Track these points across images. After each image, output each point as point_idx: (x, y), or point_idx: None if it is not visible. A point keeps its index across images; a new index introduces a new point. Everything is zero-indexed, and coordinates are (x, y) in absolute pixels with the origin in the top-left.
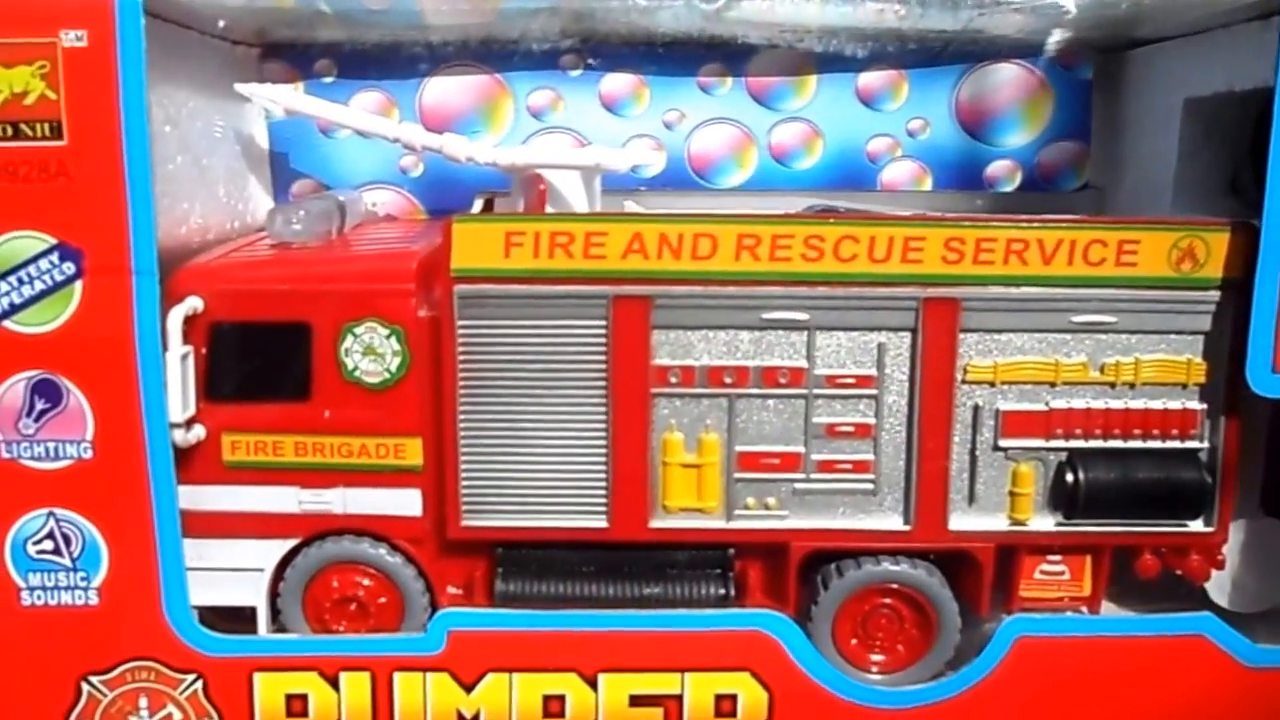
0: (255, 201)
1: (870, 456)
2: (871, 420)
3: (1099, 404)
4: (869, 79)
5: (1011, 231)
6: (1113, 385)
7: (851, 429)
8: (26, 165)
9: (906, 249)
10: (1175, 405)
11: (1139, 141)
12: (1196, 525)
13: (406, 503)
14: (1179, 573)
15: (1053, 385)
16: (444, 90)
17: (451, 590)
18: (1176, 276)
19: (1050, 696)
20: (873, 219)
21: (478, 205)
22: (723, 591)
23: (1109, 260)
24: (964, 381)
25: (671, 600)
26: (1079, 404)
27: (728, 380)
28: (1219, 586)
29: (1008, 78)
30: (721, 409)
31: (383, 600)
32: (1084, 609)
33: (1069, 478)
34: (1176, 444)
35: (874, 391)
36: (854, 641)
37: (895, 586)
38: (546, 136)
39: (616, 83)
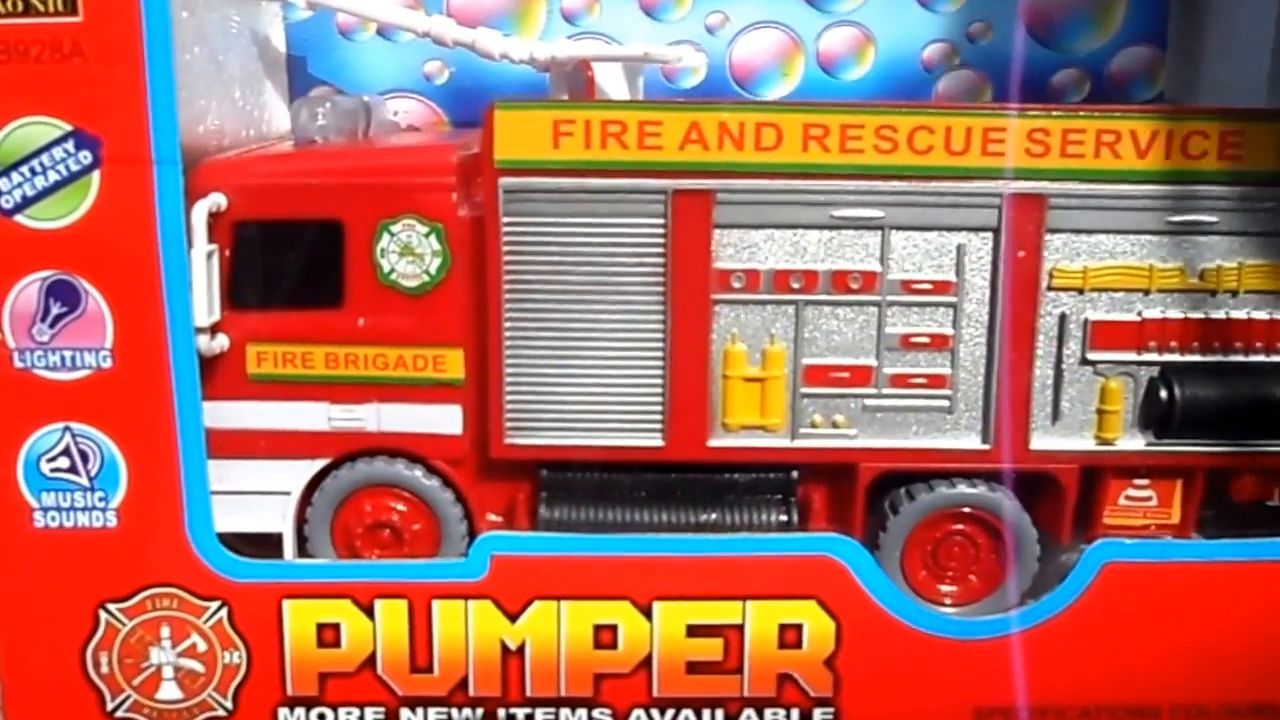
0: (271, 109)
1: (947, 370)
2: (949, 330)
3: (1197, 314)
4: None
5: (1102, 121)
6: (1212, 293)
7: (927, 340)
8: (37, 44)
9: (986, 140)
10: None
11: (1224, 45)
12: None
13: (446, 420)
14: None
15: (1146, 292)
16: None
17: (491, 517)
18: None
19: (1138, 627)
20: (949, 108)
21: None
22: (785, 518)
23: (1210, 153)
24: (1050, 288)
25: (730, 527)
26: (1175, 314)
27: (795, 285)
28: None
29: None
30: (788, 317)
31: (417, 527)
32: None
33: (1162, 394)
34: None
35: (953, 298)
36: (924, 573)
37: (969, 511)
38: (578, 41)
39: None
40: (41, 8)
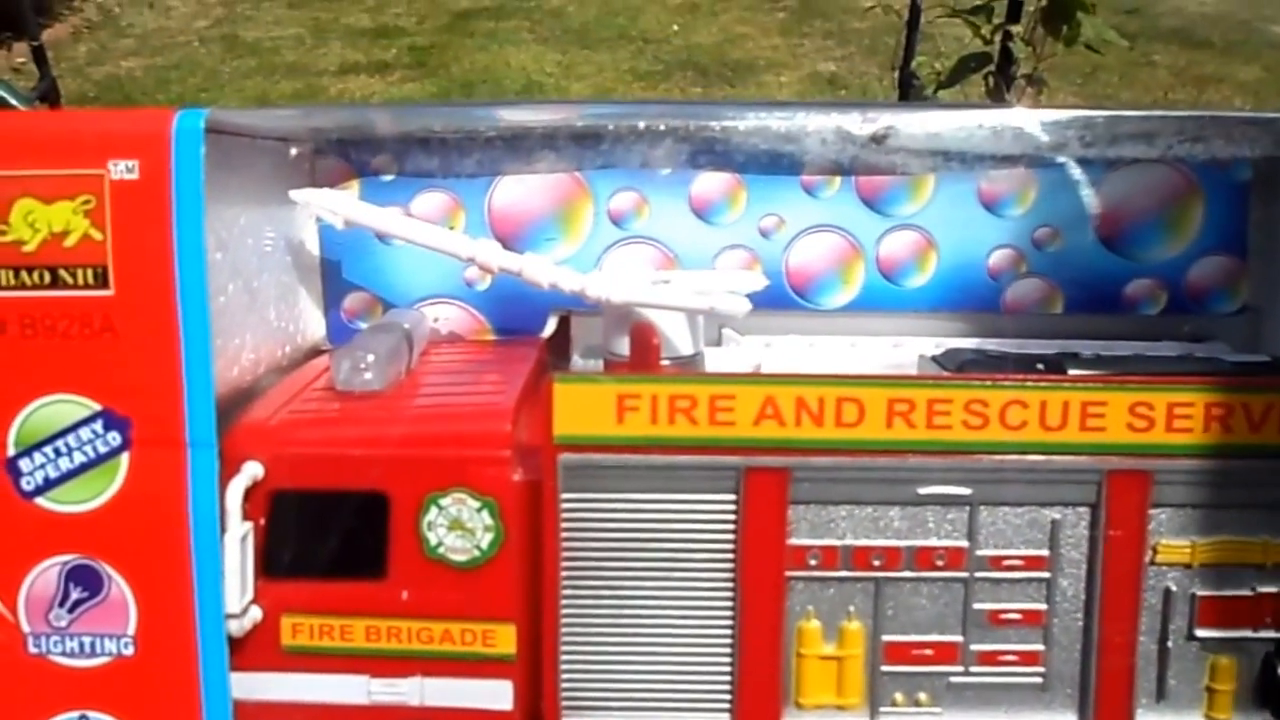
0: (305, 318)
1: (1040, 647)
2: (1042, 606)
3: None
4: (993, 179)
5: (1211, 395)
6: None
7: (1019, 616)
8: (66, 318)
9: (1085, 415)
10: None
11: None
12: None
13: (495, 695)
14: None
15: (1260, 568)
16: (517, 191)
17: None
18: None
19: None
20: (1045, 381)
21: (551, 324)
22: None
23: None
24: (1153, 563)
25: None
26: None
27: (876, 562)
28: None
29: (1152, 179)
30: (867, 594)
31: None
32: None
33: (1278, 671)
34: None
35: (1046, 574)
36: None
37: None
38: (625, 249)
39: (710, 184)
40: (71, 280)
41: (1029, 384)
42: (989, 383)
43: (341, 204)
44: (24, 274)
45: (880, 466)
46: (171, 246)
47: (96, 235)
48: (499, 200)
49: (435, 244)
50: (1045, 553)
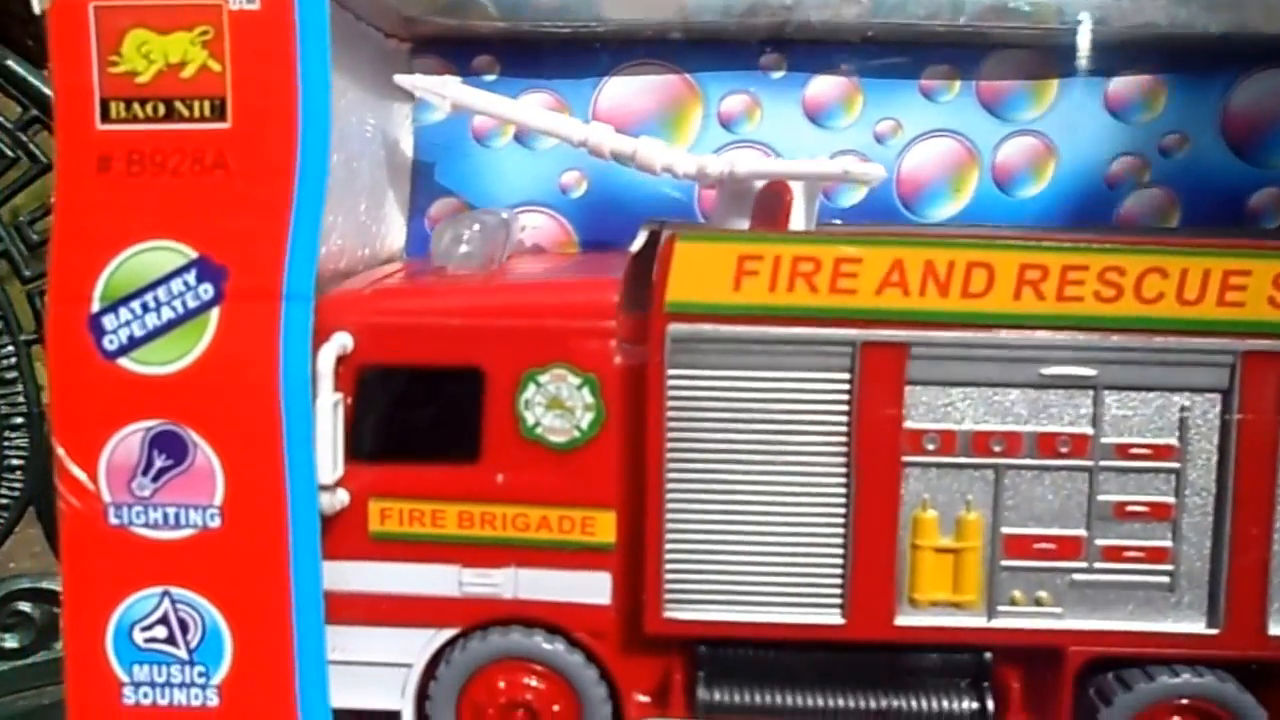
0: (389, 222)
1: (1168, 543)
2: (1171, 499)
3: None
4: (1121, 85)
5: None
6: None
7: (1146, 509)
8: (178, 154)
9: (1226, 287)
10: None
11: None
12: None
13: (592, 588)
14: None
15: None
16: (624, 91)
17: (641, 699)
18: None
19: None
20: (1189, 246)
21: (641, 238)
22: (978, 706)
23: None
24: None
25: (915, 715)
26: None
27: (996, 448)
28: None
29: None
30: (986, 482)
31: (557, 708)
32: None
33: None
34: None
35: (1175, 464)
36: None
37: (1195, 704)
38: (736, 151)
39: (824, 86)
40: (187, 113)
41: (1171, 249)
42: (1129, 247)
43: (448, 87)
44: (136, 106)
45: (1003, 343)
46: (295, 82)
47: (215, 66)
48: (605, 101)
49: (547, 126)
50: (1174, 441)
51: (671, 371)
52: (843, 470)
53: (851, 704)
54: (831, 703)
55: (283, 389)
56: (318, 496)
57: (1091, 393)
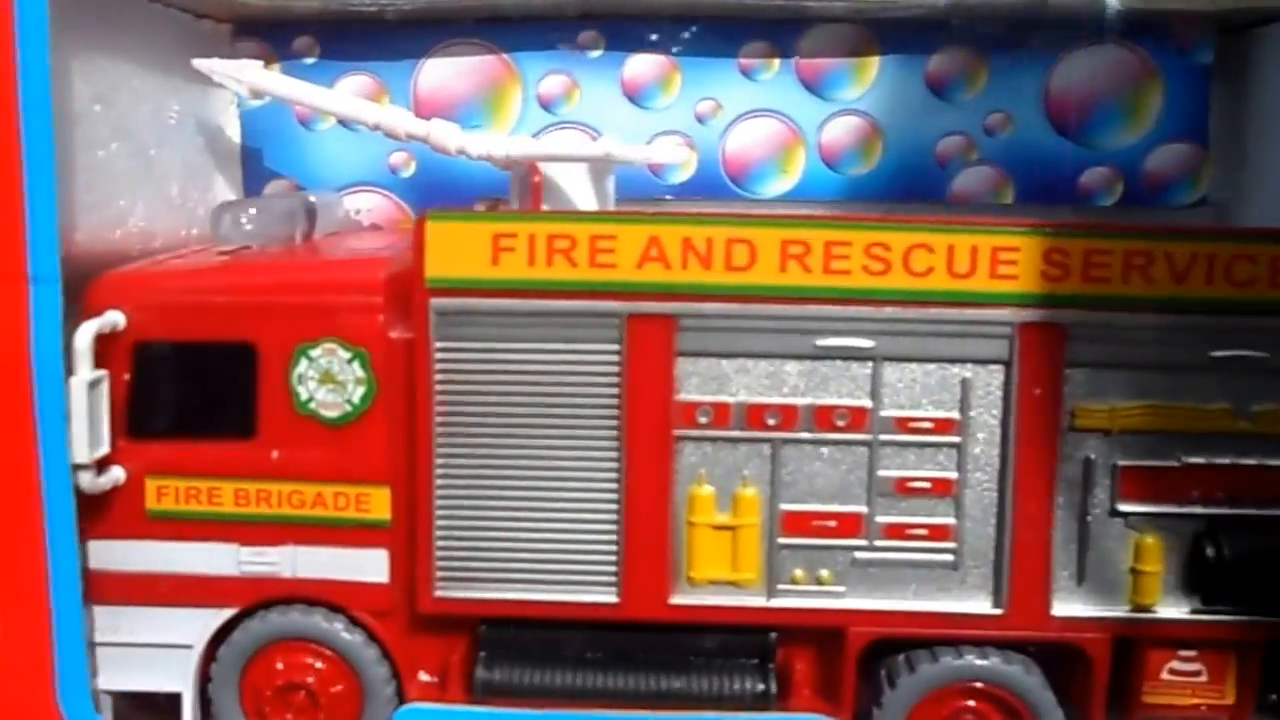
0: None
1: (951, 520)
2: (953, 475)
3: (1249, 460)
4: (941, 63)
5: (1131, 242)
6: (1266, 437)
7: (928, 485)
8: None
9: (996, 262)
10: None
11: (1269, 143)
12: None
13: (370, 566)
14: None
15: (1188, 435)
16: (442, 73)
17: (424, 678)
18: None
19: None
20: (951, 223)
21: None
22: (761, 687)
23: (1261, 280)
24: (1072, 429)
25: (696, 698)
26: (1222, 460)
27: (771, 421)
28: None
29: (1109, 63)
30: (763, 457)
31: (338, 688)
32: None
33: (1209, 552)
34: None
35: (957, 439)
36: None
37: (981, 686)
38: (557, 133)
39: (642, 65)
40: None
41: (934, 226)
42: (891, 224)
43: (245, 72)
44: None
45: (774, 315)
46: (14, 65)
47: None
48: (425, 83)
49: (342, 110)
50: (955, 415)
51: (438, 345)
52: (615, 445)
53: (632, 685)
54: (611, 683)
55: (34, 370)
56: (75, 476)
57: (870, 365)
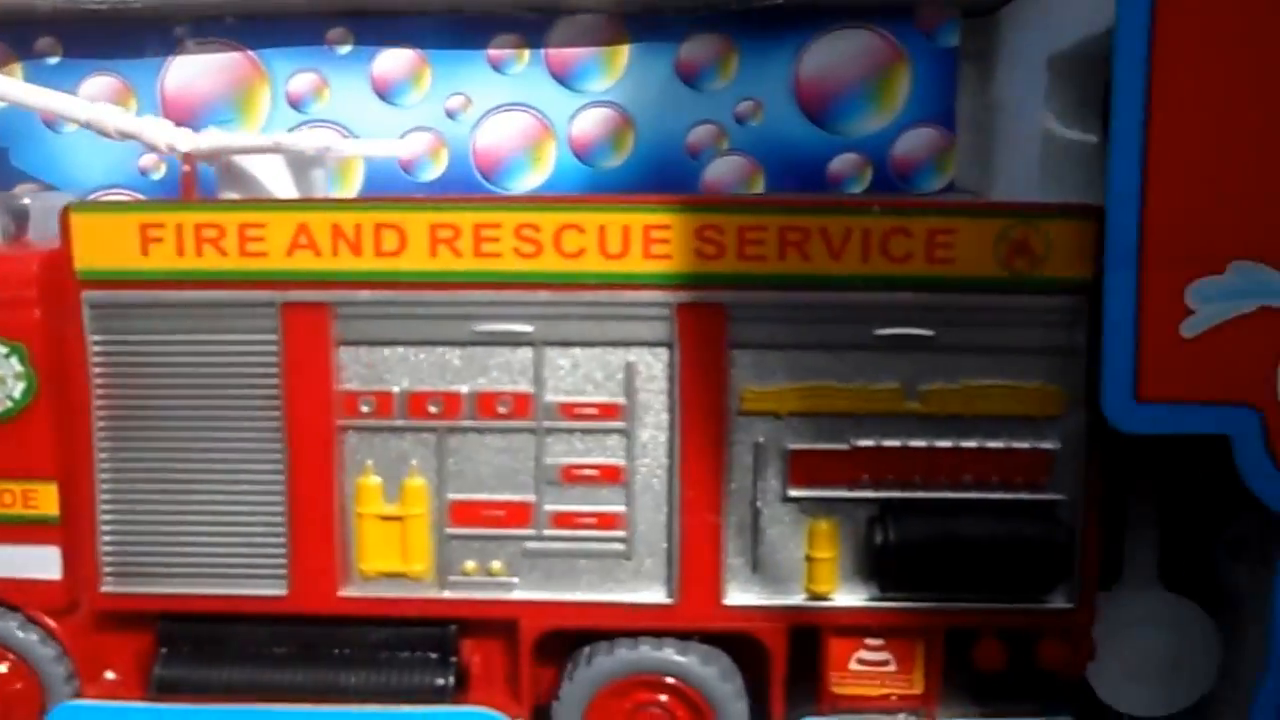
0: None
1: (621, 509)
2: (621, 462)
3: (918, 442)
4: (692, 51)
5: (785, 217)
6: (935, 418)
7: (595, 473)
8: None
9: (649, 240)
10: (1021, 445)
11: (1014, 126)
12: (1054, 601)
13: (41, 563)
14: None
15: (858, 417)
16: (189, 73)
17: (110, 676)
18: (1007, 277)
19: None
20: (600, 202)
21: None
22: (441, 681)
23: (917, 255)
24: (741, 412)
25: (374, 691)
26: (892, 442)
27: (434, 410)
28: (1109, 683)
29: (856, 47)
30: (429, 446)
31: (18, 687)
32: (919, 710)
33: (878, 537)
34: (1023, 495)
35: (623, 424)
36: None
37: (657, 679)
38: (308, 131)
39: (392, 61)
40: None
41: (584, 205)
42: (540, 205)
43: None
44: None
45: (429, 301)
46: None
47: None
48: (172, 83)
49: (52, 107)
50: (621, 400)
51: (95, 338)
52: (278, 436)
53: (311, 679)
54: (290, 678)
55: None
56: None
57: (531, 350)
